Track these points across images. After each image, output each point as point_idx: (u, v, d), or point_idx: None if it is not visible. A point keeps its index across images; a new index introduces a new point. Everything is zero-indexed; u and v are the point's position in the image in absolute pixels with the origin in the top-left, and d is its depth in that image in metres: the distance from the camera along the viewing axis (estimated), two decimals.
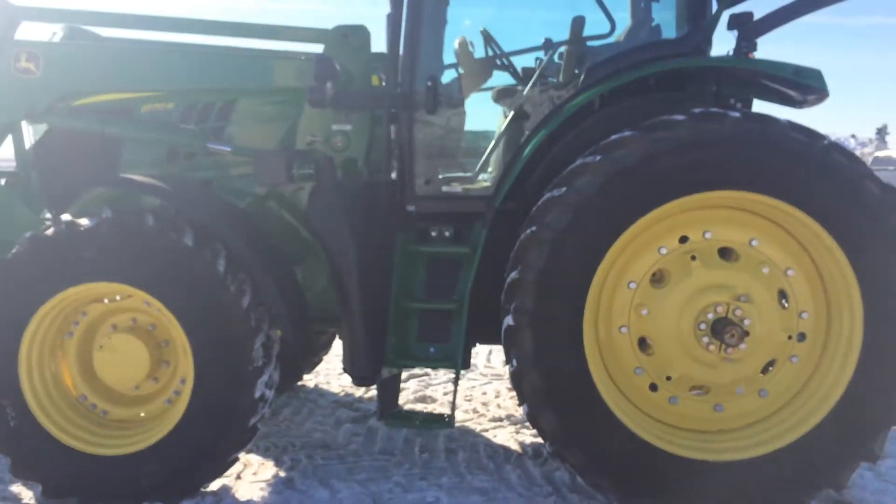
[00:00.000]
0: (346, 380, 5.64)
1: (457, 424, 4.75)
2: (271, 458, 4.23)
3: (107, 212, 3.59)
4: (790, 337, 3.53)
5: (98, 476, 3.64)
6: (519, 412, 4.89)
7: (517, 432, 4.68)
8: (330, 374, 5.87)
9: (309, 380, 5.69)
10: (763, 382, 3.59)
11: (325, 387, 5.61)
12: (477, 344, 4.14)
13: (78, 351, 3.76)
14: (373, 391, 5.31)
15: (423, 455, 4.30)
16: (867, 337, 3.40)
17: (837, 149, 3.39)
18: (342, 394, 5.46)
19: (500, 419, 4.91)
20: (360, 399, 5.32)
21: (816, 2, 3.65)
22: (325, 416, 4.97)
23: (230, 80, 4.23)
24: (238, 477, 3.98)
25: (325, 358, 5.83)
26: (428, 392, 5.42)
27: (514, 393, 3.76)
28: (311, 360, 5.52)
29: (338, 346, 5.70)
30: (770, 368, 3.58)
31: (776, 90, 3.83)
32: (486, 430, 4.72)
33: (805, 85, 3.61)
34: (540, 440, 4.30)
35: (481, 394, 5.44)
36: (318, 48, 4.22)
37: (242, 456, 4.01)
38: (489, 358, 6.35)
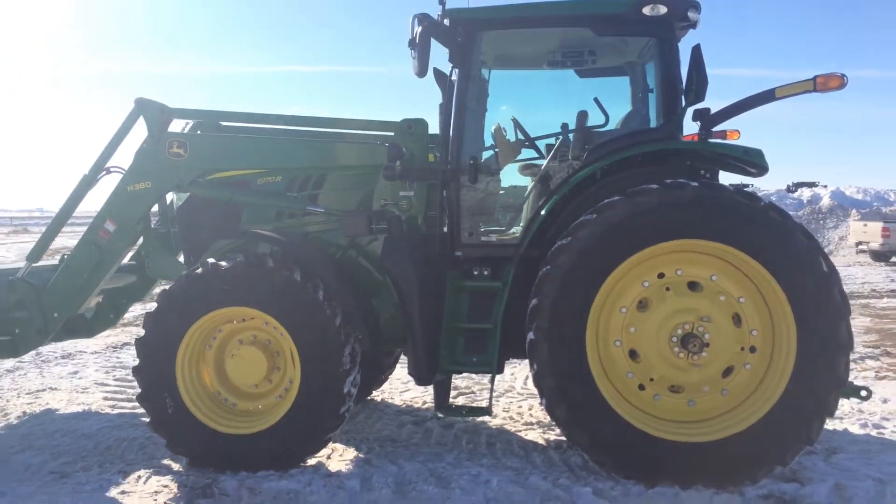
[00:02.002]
0: (408, 395, 6.95)
1: (495, 426, 5.99)
2: (352, 446, 5.49)
3: (240, 256, 4.98)
4: (743, 349, 4.68)
5: (229, 450, 4.94)
6: (547, 419, 6.04)
7: (544, 433, 5.84)
8: (393, 391, 7.14)
9: (377, 395, 6.96)
10: (725, 384, 4.72)
11: (390, 400, 6.86)
12: (509, 357, 5.36)
13: (215, 358, 5.11)
14: (429, 403, 6.58)
15: (469, 445, 5.52)
16: (800, 348, 4.53)
17: (773, 208, 4.59)
18: (404, 405, 6.70)
19: (532, 424, 6.09)
20: (419, 409, 6.55)
21: (749, 104, 4.89)
22: (391, 419, 6.22)
23: (323, 159, 5.63)
24: (328, 457, 5.25)
25: (389, 379, 7.11)
26: (474, 405, 6.63)
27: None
28: (379, 377, 6.82)
29: (398, 372, 7.02)
30: (730, 373, 4.72)
31: (733, 164, 5.06)
32: (520, 431, 5.90)
33: (750, 161, 4.85)
34: (562, 438, 5.48)
35: (517, 407, 6.62)
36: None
37: (330, 444, 5.29)
38: (526, 382, 7.52)
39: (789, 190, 41.48)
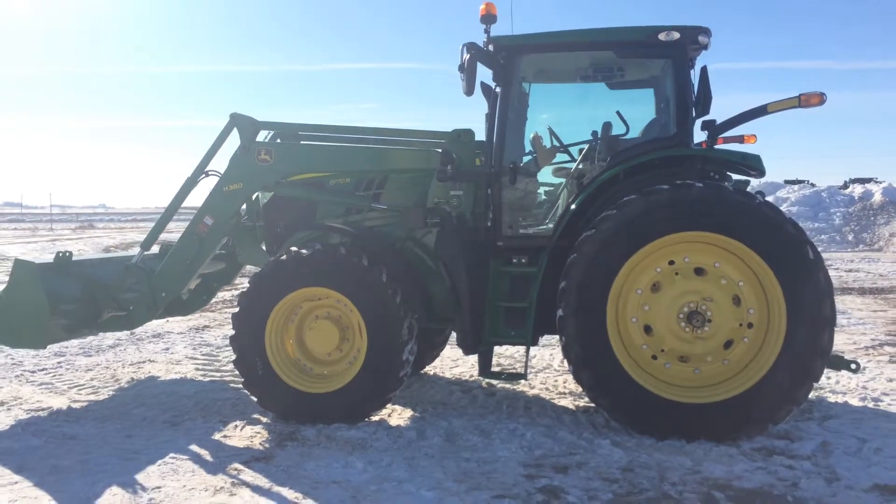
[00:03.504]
0: (457, 370, 7.91)
1: (532, 395, 6.90)
2: (409, 407, 6.46)
3: (317, 245, 5.99)
4: (741, 325, 5.48)
5: (308, 406, 5.94)
6: (578, 390, 6.91)
7: (574, 401, 6.72)
8: (444, 367, 8.10)
9: (429, 369, 7.92)
10: (726, 354, 5.53)
11: (441, 374, 7.83)
12: (542, 332, 6.23)
13: (296, 330, 6.12)
14: (475, 377, 7.51)
15: (509, 409, 6.44)
16: (790, 324, 5.32)
17: (767, 205, 5.39)
18: (453, 378, 7.66)
19: (564, 393, 6.98)
20: (466, 381, 7.50)
21: (746, 117, 5.70)
22: (441, 388, 7.18)
23: (386, 163, 6.61)
24: (389, 415, 6.23)
25: (440, 356, 8.07)
26: (511, 371, 7.53)
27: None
28: (432, 353, 7.78)
29: (448, 351, 7.96)
30: (730, 346, 5.53)
31: (736, 167, 5.87)
32: (553, 399, 6.80)
33: (749, 166, 5.66)
34: (590, 404, 6.34)
35: (553, 381, 7.50)
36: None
37: (390, 406, 6.27)
38: (562, 361, 8.38)
39: (844, 186, 41.16)
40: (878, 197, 31.61)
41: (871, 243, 28.24)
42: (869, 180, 42.95)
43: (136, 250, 7.02)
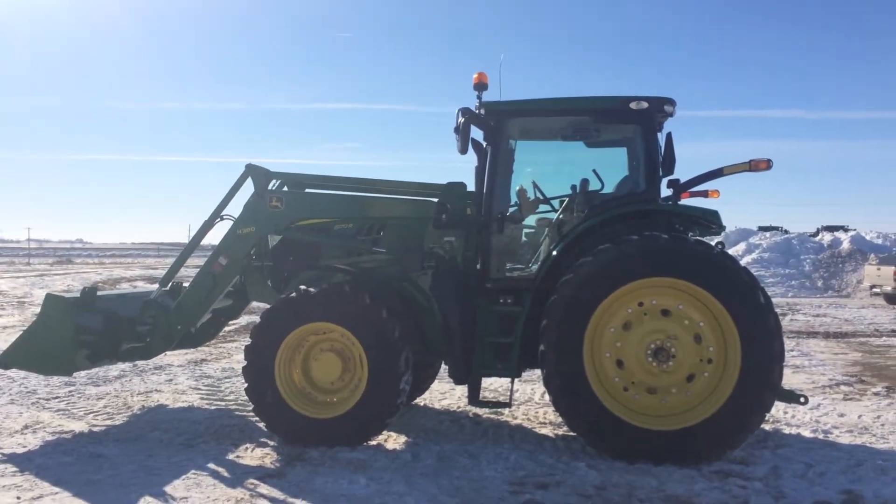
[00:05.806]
0: (445, 402, 8.52)
1: (515, 424, 7.53)
2: (403, 433, 7.07)
3: (324, 284, 6.65)
4: (702, 360, 6.19)
5: (313, 430, 6.50)
6: (558, 420, 7.55)
7: (554, 430, 7.36)
8: (433, 399, 8.71)
9: (419, 401, 8.52)
10: (689, 387, 6.21)
11: (430, 405, 8.44)
12: (526, 366, 6.90)
13: (302, 361, 6.73)
14: (463, 408, 8.14)
15: (495, 435, 7.07)
16: (744, 361, 6.02)
17: (724, 254, 6.14)
18: (442, 409, 8.27)
19: (545, 423, 7.62)
20: (454, 411, 8.12)
21: (705, 178, 6.48)
22: (431, 418, 7.80)
23: (385, 212, 7.32)
24: (385, 440, 6.83)
25: (430, 389, 8.68)
26: (497, 400, 8.17)
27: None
28: (422, 387, 8.40)
29: (436, 385, 8.58)
30: (693, 379, 6.22)
31: (698, 221, 6.64)
32: (535, 428, 7.43)
33: (709, 220, 6.42)
34: (569, 433, 6.97)
35: (535, 412, 8.14)
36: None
37: (385, 432, 6.86)
38: (543, 395, 9.03)
39: (815, 233, 42.56)
40: (846, 245, 32.79)
41: (840, 289, 29.29)
42: (839, 228, 44.44)
43: (124, 286, 7.64)
